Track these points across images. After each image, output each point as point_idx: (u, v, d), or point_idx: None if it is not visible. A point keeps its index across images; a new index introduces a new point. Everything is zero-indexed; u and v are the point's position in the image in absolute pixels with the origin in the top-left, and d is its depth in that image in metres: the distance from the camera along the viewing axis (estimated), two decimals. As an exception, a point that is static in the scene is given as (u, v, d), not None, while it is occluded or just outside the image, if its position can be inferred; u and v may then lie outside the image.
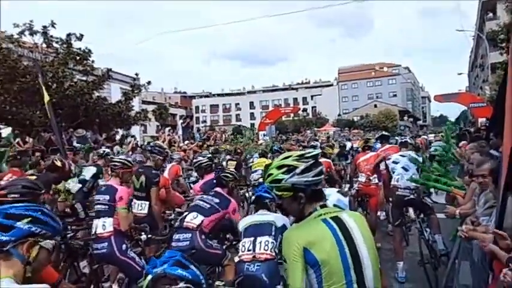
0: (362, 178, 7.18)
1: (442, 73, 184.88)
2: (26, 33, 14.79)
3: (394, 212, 5.87)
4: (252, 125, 49.37)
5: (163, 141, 13.44)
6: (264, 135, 23.17)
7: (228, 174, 4.77)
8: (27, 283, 1.68)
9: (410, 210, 5.75)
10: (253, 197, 4.27)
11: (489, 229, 3.07)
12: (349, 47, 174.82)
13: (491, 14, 32.76)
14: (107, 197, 4.31)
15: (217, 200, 4.41)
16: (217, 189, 4.65)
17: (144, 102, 36.83)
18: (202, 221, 4.17)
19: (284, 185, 1.97)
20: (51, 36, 15.30)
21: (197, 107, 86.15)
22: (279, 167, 2.01)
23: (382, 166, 7.23)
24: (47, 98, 8.37)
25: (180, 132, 20.08)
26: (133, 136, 16.91)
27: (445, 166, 5.62)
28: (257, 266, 3.47)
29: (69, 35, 15.55)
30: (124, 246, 4.18)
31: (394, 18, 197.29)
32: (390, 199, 6.38)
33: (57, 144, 9.58)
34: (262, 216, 3.89)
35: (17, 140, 11.00)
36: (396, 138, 14.91)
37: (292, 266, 1.87)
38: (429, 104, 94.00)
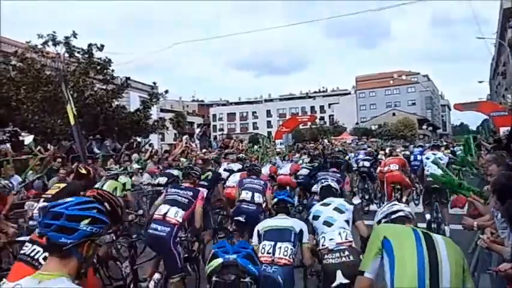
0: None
1: (462, 81, 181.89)
2: (50, 43, 15.24)
3: (424, 194, 7.78)
4: (269, 133, 49.31)
5: (180, 149, 13.61)
6: (281, 143, 23.15)
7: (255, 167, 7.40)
8: (79, 279, 1.72)
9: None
10: (275, 199, 4.42)
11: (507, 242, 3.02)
12: (367, 55, 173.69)
13: (513, 22, 32.09)
14: (191, 193, 4.87)
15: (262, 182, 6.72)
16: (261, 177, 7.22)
17: (162, 110, 37.31)
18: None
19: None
20: (74, 46, 15.72)
21: (214, 115, 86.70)
22: None
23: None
24: (70, 114, 8.66)
25: (197, 140, 20.24)
26: (151, 144, 17.13)
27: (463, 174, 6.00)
28: (274, 268, 3.54)
29: (90, 45, 15.96)
30: (178, 239, 4.60)
31: (412, 26, 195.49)
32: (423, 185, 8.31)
33: (79, 152, 9.81)
34: (282, 220, 4.02)
35: (38, 147, 11.27)
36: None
37: (366, 252, 2.25)
38: (449, 112, 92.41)
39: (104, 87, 16.58)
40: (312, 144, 26.04)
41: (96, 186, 6.66)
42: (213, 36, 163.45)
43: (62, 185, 5.14)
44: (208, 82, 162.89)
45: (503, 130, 18.55)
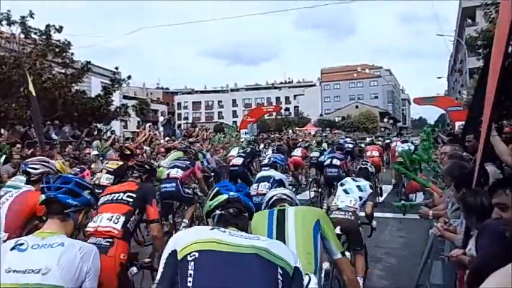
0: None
1: (422, 76, 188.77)
2: (3, 22, 14.41)
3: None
4: (235, 122, 49.26)
5: (143, 137, 13.32)
6: (246, 133, 23.16)
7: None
8: None
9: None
10: (272, 159, 7.52)
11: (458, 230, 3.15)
12: (333, 48, 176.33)
13: (470, 20, 33.42)
14: (188, 162, 6.76)
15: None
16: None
17: (125, 97, 36.33)
18: None
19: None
20: (30, 26, 14.95)
21: (179, 104, 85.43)
22: None
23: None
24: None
25: (161, 128, 19.90)
26: (112, 131, 16.68)
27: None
28: (260, 198, 4.77)
29: (48, 26, 15.23)
30: (186, 189, 6.40)
31: (377, 21, 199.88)
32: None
33: (37, 138, 9.40)
34: (267, 172, 6.41)
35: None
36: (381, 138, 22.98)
37: None
38: (409, 106, 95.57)
39: (63, 71, 15.91)
40: (277, 135, 26.25)
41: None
42: (179, 23, 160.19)
43: (121, 163, 7.09)
44: (174, 70, 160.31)
45: (458, 124, 19.37)
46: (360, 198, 4.77)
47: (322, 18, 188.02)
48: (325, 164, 8.91)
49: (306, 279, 2.03)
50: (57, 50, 15.45)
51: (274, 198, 2.79)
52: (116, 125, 22.56)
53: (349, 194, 4.79)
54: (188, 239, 1.65)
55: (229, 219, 1.83)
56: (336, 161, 8.52)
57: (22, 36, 15.05)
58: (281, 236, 2.27)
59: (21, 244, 1.89)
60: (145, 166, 4.13)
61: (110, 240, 2.92)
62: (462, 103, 24.56)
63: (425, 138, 8.79)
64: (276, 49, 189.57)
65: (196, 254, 1.57)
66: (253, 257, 1.59)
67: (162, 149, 11.40)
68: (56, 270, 1.83)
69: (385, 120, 72.46)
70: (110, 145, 11.79)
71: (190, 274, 1.52)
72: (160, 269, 1.63)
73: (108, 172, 6.80)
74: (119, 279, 2.74)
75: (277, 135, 26.60)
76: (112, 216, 3.02)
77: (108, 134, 15.18)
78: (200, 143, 13.88)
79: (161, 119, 23.56)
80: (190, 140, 15.53)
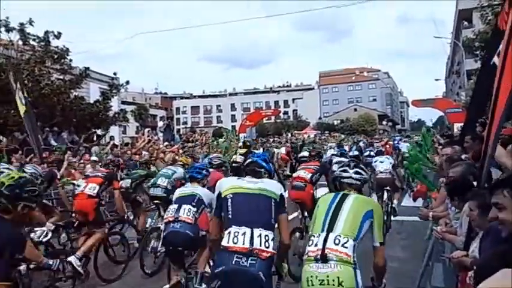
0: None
1: (420, 79, 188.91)
2: (2, 29, 14.45)
3: (400, 163, 12.92)
4: (233, 127, 49.23)
5: (142, 143, 13.30)
6: (245, 137, 23.11)
7: None
8: None
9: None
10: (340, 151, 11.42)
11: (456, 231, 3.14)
12: (331, 51, 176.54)
13: (466, 23, 33.51)
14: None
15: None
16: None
17: (123, 102, 36.32)
18: None
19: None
20: (28, 33, 14.98)
21: (178, 108, 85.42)
22: None
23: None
24: (20, 105, 8.29)
25: (160, 134, 19.89)
26: (111, 137, 16.68)
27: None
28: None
29: (46, 32, 15.26)
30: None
31: (374, 24, 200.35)
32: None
33: (33, 145, 9.39)
34: (340, 158, 9.24)
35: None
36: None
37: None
38: (407, 108, 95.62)
39: (62, 77, 15.92)
40: (276, 138, 26.27)
41: None
42: (176, 27, 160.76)
43: (246, 150, 11.24)
44: (172, 75, 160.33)
45: (457, 126, 19.33)
46: (391, 163, 8.19)
47: (320, 21, 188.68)
48: (365, 155, 12.57)
49: (345, 239, 2.63)
50: (55, 56, 15.48)
51: (346, 181, 3.04)
52: (114, 130, 22.57)
53: (383, 163, 8.16)
54: (226, 185, 3.01)
55: (249, 173, 3.17)
56: (372, 153, 11.83)
57: (20, 43, 15.08)
58: (334, 217, 2.75)
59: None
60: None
61: (304, 183, 6.15)
62: (460, 105, 24.56)
63: (423, 140, 8.93)
64: (273, 53, 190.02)
65: (231, 195, 2.92)
66: (259, 195, 2.91)
67: (162, 154, 11.39)
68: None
69: (384, 122, 72.53)
70: (110, 150, 11.78)
71: (229, 206, 2.88)
72: (215, 203, 3.08)
73: (241, 154, 10.50)
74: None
75: (277, 138, 26.64)
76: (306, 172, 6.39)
77: (107, 139, 15.16)
78: (200, 148, 13.88)
79: (160, 124, 23.52)
80: (189, 144, 15.54)
